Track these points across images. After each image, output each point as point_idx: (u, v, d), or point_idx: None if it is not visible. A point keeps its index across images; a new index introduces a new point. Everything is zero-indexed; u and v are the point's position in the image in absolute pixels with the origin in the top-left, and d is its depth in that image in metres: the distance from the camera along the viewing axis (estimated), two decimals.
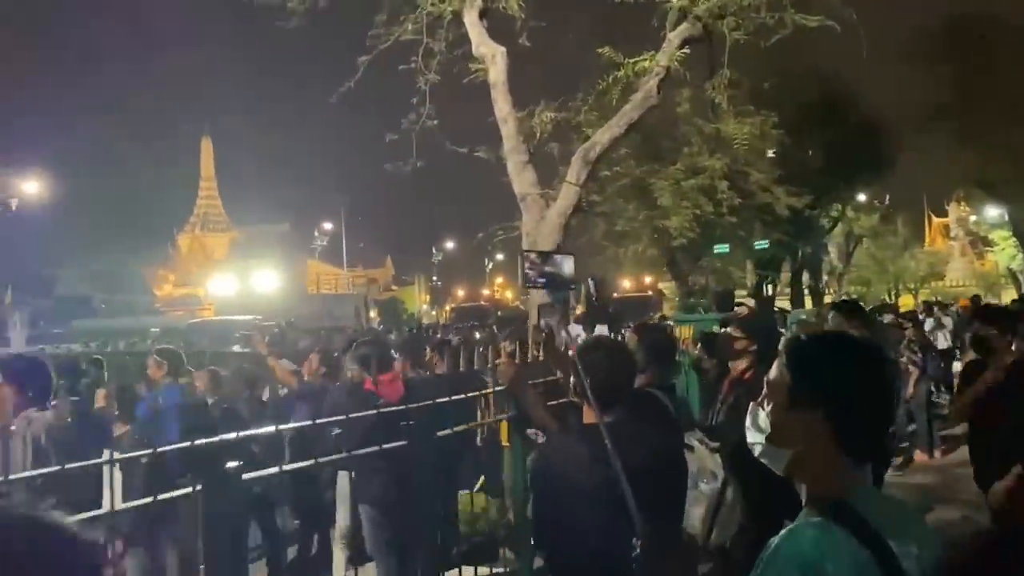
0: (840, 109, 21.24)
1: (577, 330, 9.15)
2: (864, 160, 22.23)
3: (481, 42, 9.96)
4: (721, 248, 16.34)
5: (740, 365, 4.29)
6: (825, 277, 30.07)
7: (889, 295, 40.01)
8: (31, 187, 41.23)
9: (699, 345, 7.09)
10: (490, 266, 63.66)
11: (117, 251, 52.88)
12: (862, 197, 29.42)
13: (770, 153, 16.38)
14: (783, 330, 9.15)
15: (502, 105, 9.84)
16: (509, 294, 60.82)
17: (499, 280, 64.95)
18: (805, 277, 26.44)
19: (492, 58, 9.88)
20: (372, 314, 44.05)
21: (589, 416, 2.89)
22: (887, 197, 34.65)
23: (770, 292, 23.54)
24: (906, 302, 34.47)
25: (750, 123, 13.02)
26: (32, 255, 58.43)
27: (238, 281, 33.54)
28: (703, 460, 4.03)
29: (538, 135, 10.13)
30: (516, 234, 10.27)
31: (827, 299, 24.59)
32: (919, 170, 42.59)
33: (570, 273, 9.05)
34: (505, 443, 4.98)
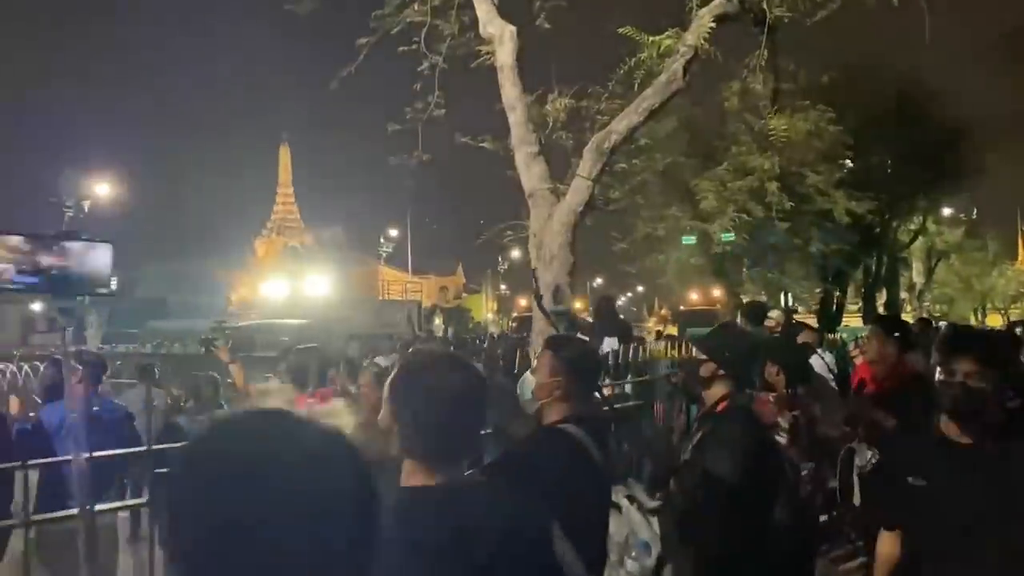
0: (916, 111, 19.53)
1: None
2: (945, 168, 20.48)
3: (489, 20, 9.05)
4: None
5: (713, 394, 3.27)
6: (904, 294, 28.10)
7: (975, 315, 37.40)
8: (103, 190, 42.47)
9: None
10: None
11: (197, 255, 54.23)
12: (947, 211, 27.39)
13: (838, 156, 15.06)
14: (821, 353, 8.00)
15: (510, 90, 8.89)
16: (578, 304, 59.88)
17: None
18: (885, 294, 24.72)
19: (500, 38, 8.97)
20: (437, 322, 43.71)
21: (414, 477, 1.80)
22: (975, 210, 32.32)
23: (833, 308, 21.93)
24: (993, 322, 32.03)
25: (803, 118, 11.78)
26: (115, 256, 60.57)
27: (289, 286, 33.48)
28: (634, 525, 3.02)
29: (550, 124, 9.16)
30: (525, 235, 9.31)
31: (906, 317, 22.79)
32: (1011, 181, 39.76)
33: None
34: None
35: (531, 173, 8.88)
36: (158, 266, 61.95)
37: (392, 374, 2.07)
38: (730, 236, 13.53)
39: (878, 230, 18.34)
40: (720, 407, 3.20)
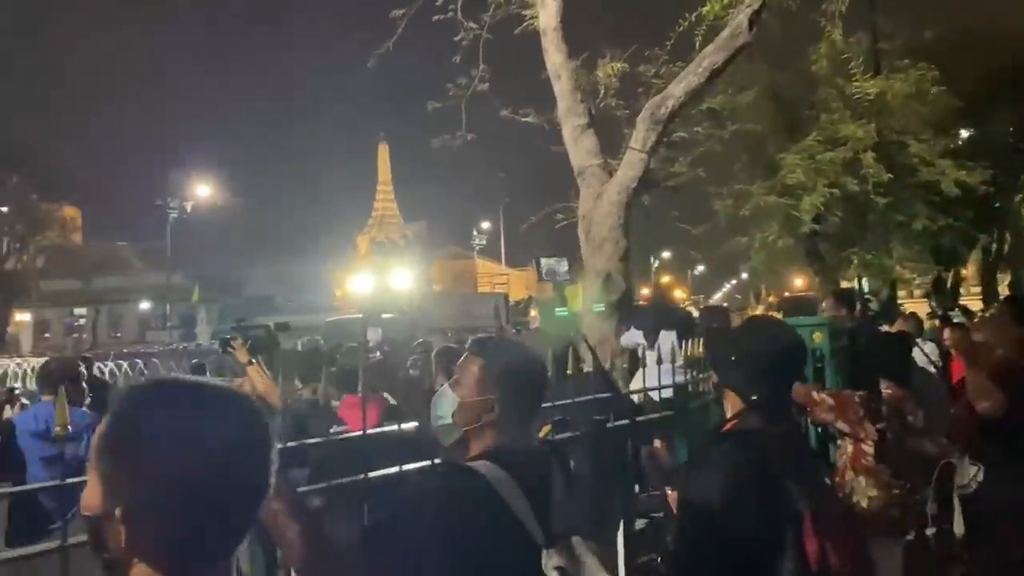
0: None
1: (635, 337, 7.22)
2: None
3: None
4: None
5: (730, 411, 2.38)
6: None
7: None
8: (204, 191, 43.82)
9: None
10: (656, 264, 61.47)
11: (303, 253, 55.61)
12: None
13: (946, 123, 13.44)
14: (921, 344, 6.81)
15: (554, 56, 8.01)
16: (679, 293, 58.20)
17: (665, 279, 62.47)
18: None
19: (543, 0, 8.11)
20: (533, 313, 43.15)
21: None
22: None
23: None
24: None
25: (902, 79, 10.42)
26: (219, 256, 63.11)
27: (374, 280, 33.51)
28: None
29: (601, 92, 8.24)
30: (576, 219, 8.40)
31: None
32: None
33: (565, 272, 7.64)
34: None
35: (579, 148, 7.99)
36: (266, 265, 64.09)
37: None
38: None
39: (997, 204, 16.40)
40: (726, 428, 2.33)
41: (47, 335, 52.30)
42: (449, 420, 2.06)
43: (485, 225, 55.74)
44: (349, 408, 5.22)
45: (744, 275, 47.08)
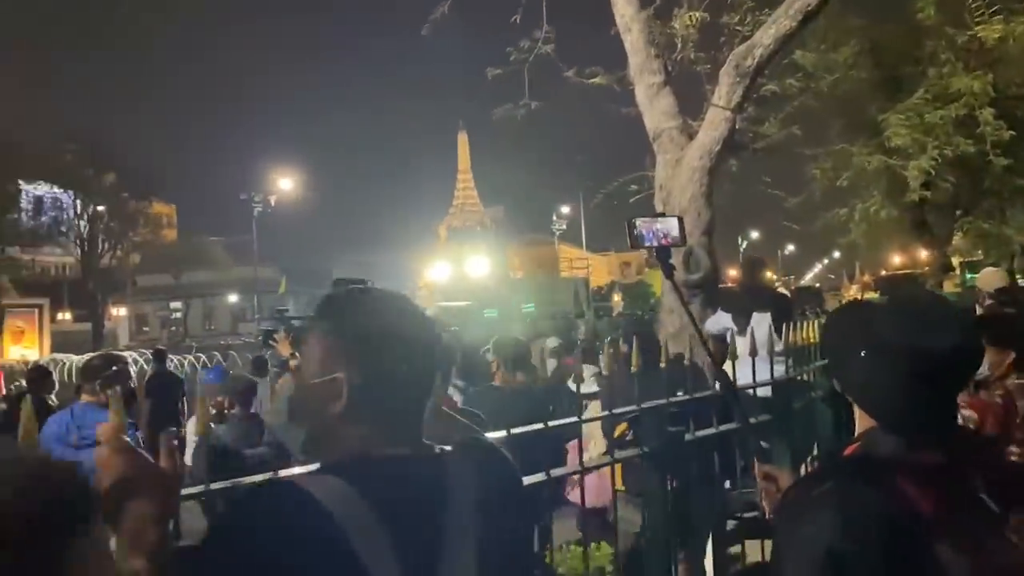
0: None
1: (723, 321, 6.34)
2: None
3: None
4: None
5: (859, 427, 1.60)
6: None
7: None
8: (286, 184, 44.38)
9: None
10: (744, 244, 59.65)
11: (387, 244, 56.24)
12: None
13: None
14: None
15: (624, 7, 7.15)
16: (770, 274, 56.26)
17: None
18: None
19: None
20: (616, 298, 42.34)
21: None
22: None
23: None
24: None
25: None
26: (305, 248, 64.53)
27: (451, 267, 33.09)
28: None
29: (678, 45, 7.34)
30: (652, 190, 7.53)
31: None
32: None
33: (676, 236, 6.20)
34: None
35: (655, 109, 7.13)
36: (352, 256, 65.21)
37: None
38: None
39: None
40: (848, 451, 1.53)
41: (146, 328, 54.18)
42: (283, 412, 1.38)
43: (565, 210, 54.86)
44: None
45: (836, 254, 44.85)
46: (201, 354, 23.28)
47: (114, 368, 4.86)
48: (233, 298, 50.71)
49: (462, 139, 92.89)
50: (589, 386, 6.79)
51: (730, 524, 3.89)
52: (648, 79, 7.14)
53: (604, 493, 4.66)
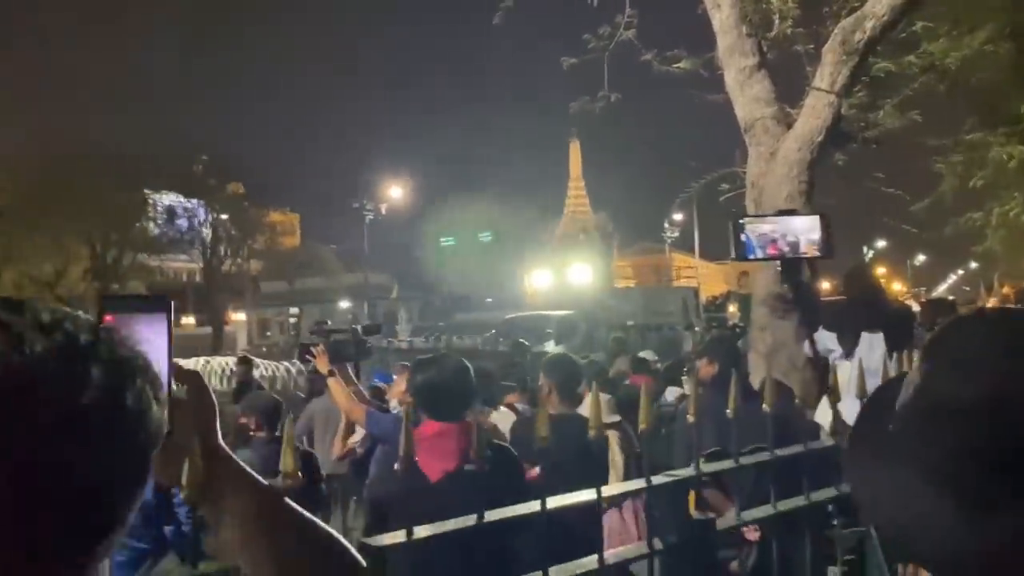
0: None
1: (825, 342, 5.33)
2: None
3: None
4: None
5: None
6: None
7: None
8: (396, 192, 44.92)
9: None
10: (870, 254, 56.52)
11: (498, 250, 56.32)
12: None
13: None
14: None
15: None
16: (897, 286, 53.07)
17: (881, 270, 57.17)
18: None
19: None
20: (732, 309, 40.63)
21: None
22: None
23: None
24: None
25: None
26: (415, 255, 65.38)
27: (554, 275, 32.33)
28: None
29: (775, 22, 6.40)
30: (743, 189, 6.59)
31: None
32: None
33: (815, 239, 4.53)
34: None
35: (747, 95, 6.21)
36: (464, 262, 65.66)
37: None
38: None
39: None
40: None
41: (268, 333, 56.04)
42: None
43: (677, 217, 53.30)
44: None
45: (973, 264, 41.53)
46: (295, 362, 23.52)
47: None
48: (344, 304, 51.88)
49: (574, 147, 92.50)
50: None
51: None
52: (739, 62, 6.25)
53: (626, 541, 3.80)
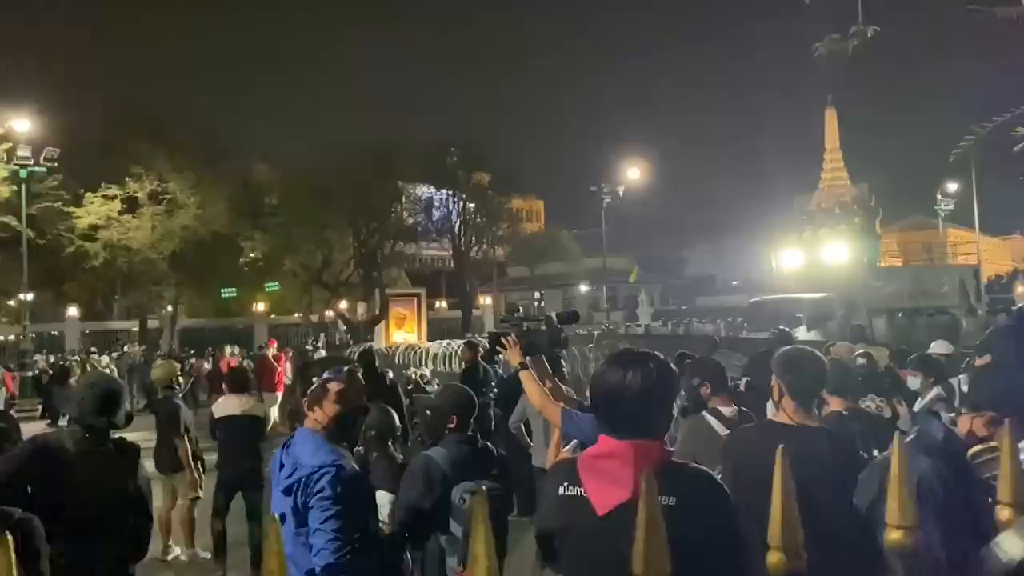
0: None
1: None
2: None
3: None
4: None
5: None
6: None
7: None
8: (634, 174, 44.02)
9: None
10: None
11: (743, 229, 54.10)
12: None
13: None
14: None
15: None
16: None
17: None
18: None
19: None
20: (1020, 289, 36.16)
21: None
22: None
23: None
24: None
25: None
26: (656, 236, 64.18)
27: (805, 254, 29.69)
28: None
29: None
30: None
31: None
32: None
33: None
34: None
35: None
36: (706, 243, 63.61)
37: None
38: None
39: None
40: None
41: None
42: None
43: (952, 187, 47.37)
44: None
45: None
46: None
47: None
48: (584, 288, 52.02)
49: (830, 115, 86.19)
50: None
51: None
52: None
53: None
